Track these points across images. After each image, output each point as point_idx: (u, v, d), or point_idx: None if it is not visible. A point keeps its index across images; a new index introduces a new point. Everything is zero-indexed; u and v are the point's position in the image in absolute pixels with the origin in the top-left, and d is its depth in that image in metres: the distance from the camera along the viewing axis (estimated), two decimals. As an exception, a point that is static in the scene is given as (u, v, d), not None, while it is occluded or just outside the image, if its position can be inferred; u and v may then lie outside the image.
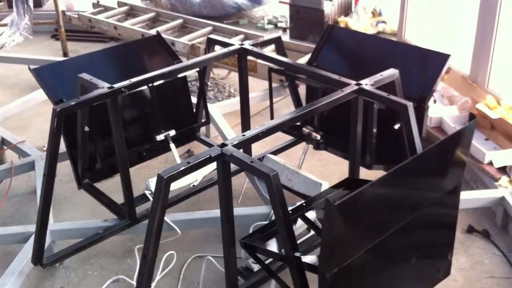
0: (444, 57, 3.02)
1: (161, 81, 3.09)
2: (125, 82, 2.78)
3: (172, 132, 3.35)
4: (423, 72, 3.11)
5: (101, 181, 3.30)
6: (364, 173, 3.02)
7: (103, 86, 2.72)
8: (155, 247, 2.15)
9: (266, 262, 2.36)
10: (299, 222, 2.48)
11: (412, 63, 3.16)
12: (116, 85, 2.74)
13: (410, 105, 2.54)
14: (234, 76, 4.94)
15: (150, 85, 3.11)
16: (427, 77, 3.04)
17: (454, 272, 2.85)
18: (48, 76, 3.15)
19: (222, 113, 4.12)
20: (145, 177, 3.62)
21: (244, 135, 2.27)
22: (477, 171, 3.46)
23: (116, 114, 2.74)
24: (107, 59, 3.40)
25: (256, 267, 2.68)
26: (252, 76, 4.35)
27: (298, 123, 3.26)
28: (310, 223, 2.48)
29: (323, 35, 3.50)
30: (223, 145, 2.18)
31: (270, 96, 3.49)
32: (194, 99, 3.86)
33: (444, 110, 3.95)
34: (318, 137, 3.33)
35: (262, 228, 2.38)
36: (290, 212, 2.40)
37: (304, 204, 2.49)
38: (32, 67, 3.10)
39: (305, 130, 3.37)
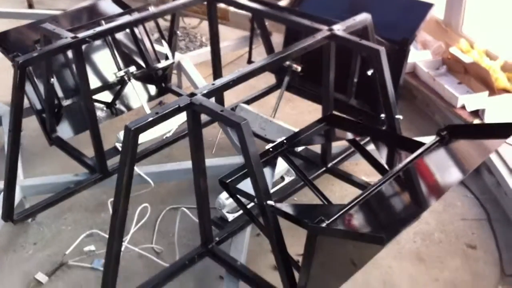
0: (428, 6, 3.17)
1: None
2: (90, 32, 2.69)
3: (132, 69, 3.28)
4: (407, 18, 3.16)
5: (72, 136, 3.24)
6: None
7: (67, 36, 2.62)
8: (126, 201, 2.10)
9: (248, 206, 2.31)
10: (280, 160, 2.43)
11: (397, 11, 3.23)
12: (80, 35, 2.64)
13: (382, 49, 2.50)
14: (206, 26, 4.82)
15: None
16: (411, 23, 3.11)
17: (427, 215, 2.89)
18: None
19: (194, 63, 4.03)
20: (116, 129, 3.54)
21: (213, 84, 2.21)
22: (450, 115, 3.47)
23: (81, 64, 2.66)
24: (63, 23, 3.30)
25: (230, 216, 2.68)
26: (223, 25, 4.25)
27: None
28: (290, 162, 2.44)
29: None
30: (192, 94, 2.11)
31: (250, 41, 3.48)
32: (158, 47, 3.73)
33: (417, 55, 3.91)
34: (299, 68, 3.32)
35: (242, 166, 2.25)
36: (271, 149, 2.37)
37: (284, 141, 2.43)
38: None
39: (286, 62, 3.33)
